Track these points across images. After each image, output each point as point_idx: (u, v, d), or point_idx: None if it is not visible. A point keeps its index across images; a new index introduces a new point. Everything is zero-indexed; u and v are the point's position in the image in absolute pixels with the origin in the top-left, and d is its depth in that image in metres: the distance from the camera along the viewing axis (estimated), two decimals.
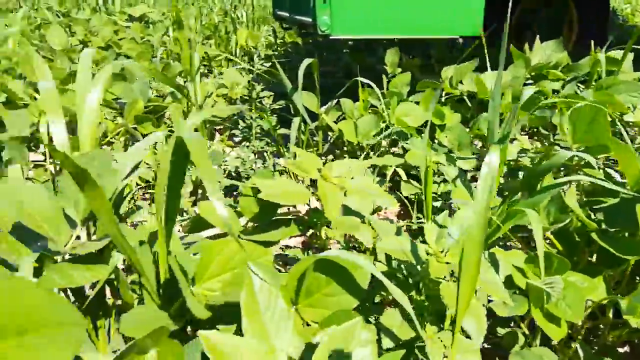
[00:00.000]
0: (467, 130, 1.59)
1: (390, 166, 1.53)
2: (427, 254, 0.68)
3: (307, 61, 1.54)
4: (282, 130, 1.73)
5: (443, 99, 1.92)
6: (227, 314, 0.71)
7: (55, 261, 0.76)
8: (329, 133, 1.85)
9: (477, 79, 1.75)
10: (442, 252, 0.71)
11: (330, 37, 1.82)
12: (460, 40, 2.02)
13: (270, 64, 1.88)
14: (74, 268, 0.69)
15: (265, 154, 1.70)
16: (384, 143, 1.77)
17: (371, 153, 1.71)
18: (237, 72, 2.60)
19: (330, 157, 1.84)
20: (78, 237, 0.77)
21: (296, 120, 1.58)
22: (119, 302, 0.88)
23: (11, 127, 1.51)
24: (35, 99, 1.70)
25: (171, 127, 1.65)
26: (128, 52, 2.99)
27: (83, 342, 0.51)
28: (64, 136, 0.81)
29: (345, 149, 1.76)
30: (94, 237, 0.80)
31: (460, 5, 1.89)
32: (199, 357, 0.69)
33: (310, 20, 2.01)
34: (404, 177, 1.44)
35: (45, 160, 1.74)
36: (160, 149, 1.20)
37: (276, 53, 3.48)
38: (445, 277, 0.69)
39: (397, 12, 1.86)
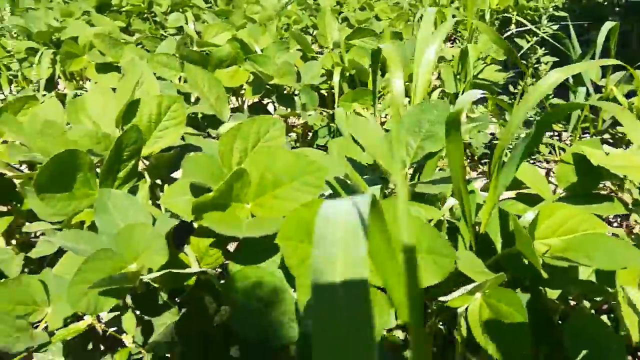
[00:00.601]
0: None
1: None
2: None
3: (608, 24, 1.36)
4: (556, 100, 1.60)
5: None
6: (555, 278, 0.70)
7: (385, 195, 0.87)
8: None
9: None
10: None
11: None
12: None
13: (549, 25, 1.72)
14: (411, 204, 0.77)
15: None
16: None
17: None
18: (496, 35, 2.48)
19: (606, 135, 1.63)
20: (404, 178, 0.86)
21: (581, 91, 1.43)
22: None
23: (304, 76, 1.74)
24: (321, 53, 1.92)
25: (438, 86, 1.68)
26: (380, 14, 3.13)
27: (321, 187, 0.65)
28: (402, 87, 0.89)
29: None
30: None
31: None
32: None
33: None
34: None
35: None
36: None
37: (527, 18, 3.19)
38: None
39: None
